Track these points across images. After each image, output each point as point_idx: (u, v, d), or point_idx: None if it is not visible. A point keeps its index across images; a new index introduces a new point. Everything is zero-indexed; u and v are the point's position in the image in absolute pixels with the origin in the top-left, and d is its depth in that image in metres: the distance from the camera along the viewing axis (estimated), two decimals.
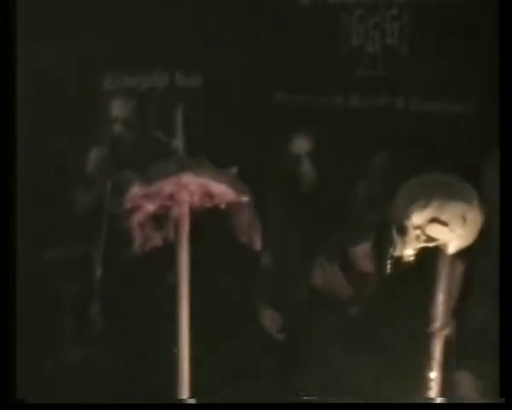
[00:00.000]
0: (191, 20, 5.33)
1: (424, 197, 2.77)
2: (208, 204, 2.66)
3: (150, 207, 2.62)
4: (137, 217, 2.63)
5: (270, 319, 3.90)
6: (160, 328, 4.03)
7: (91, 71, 5.35)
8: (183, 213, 2.62)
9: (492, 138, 3.30)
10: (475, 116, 4.45)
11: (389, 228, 2.98)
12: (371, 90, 4.98)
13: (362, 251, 3.57)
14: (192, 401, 2.70)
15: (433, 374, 2.80)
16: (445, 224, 2.75)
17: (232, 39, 5.30)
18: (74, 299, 4.61)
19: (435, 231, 2.77)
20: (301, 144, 4.18)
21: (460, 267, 3.09)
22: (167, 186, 2.59)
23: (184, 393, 2.70)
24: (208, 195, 2.65)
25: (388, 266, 3.24)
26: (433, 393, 2.82)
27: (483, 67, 4.27)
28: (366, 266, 3.54)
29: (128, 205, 2.62)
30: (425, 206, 2.76)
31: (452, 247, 2.80)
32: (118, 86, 5.47)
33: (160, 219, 2.68)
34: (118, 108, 4.45)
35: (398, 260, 3.00)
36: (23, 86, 4.49)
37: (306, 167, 4.16)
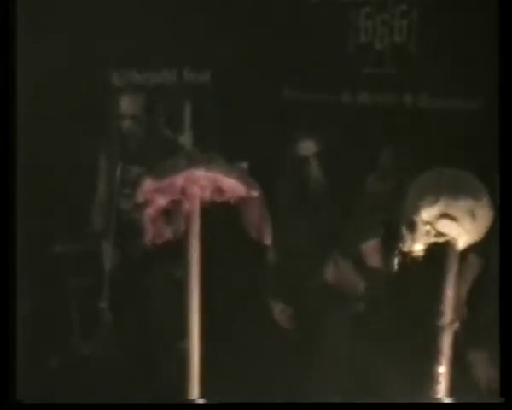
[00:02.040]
0: (200, 16, 5.35)
1: (434, 193, 2.78)
2: (219, 199, 2.67)
3: (162, 201, 2.63)
4: (149, 211, 2.64)
5: (280, 313, 3.92)
6: (169, 323, 4.06)
7: (100, 68, 5.36)
8: (193, 207, 2.63)
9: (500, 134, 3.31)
10: (483, 112, 4.45)
11: (398, 224, 2.99)
12: (379, 87, 4.99)
13: (371, 247, 3.59)
14: (201, 400, 2.70)
15: (442, 369, 2.81)
16: (454, 219, 2.76)
17: (240, 36, 5.32)
18: (83, 294, 4.63)
19: (445, 226, 2.78)
20: (309, 141, 4.19)
21: (474, 262, 3.11)
22: (178, 181, 2.60)
23: (194, 389, 2.70)
24: (219, 189, 2.66)
25: (396, 262, 3.25)
26: (442, 387, 2.82)
27: (491, 64, 4.27)
28: (375, 261, 3.56)
29: (140, 199, 2.63)
30: (434, 201, 2.77)
31: (461, 242, 2.81)
32: (126, 83, 5.48)
33: (170, 214, 2.69)
34: (126, 105, 4.46)
35: (407, 256, 3.01)
36: (32, 83, 4.52)
37: (315, 164, 4.17)
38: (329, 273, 3.54)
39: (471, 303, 3.04)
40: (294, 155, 4.18)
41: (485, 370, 3.22)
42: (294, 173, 4.17)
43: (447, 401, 2.80)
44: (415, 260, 2.96)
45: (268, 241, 2.80)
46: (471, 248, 2.87)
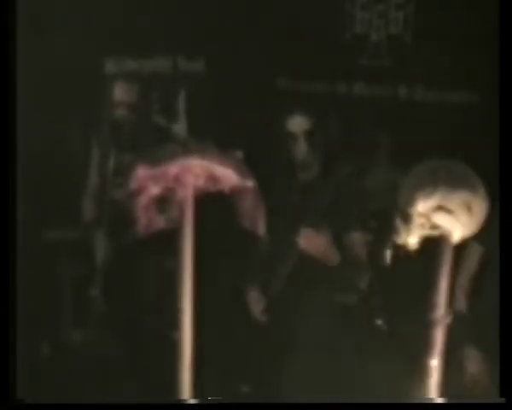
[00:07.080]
0: (194, 4, 5.33)
1: (430, 185, 2.77)
2: (213, 188, 2.65)
3: (155, 189, 2.61)
4: (141, 199, 2.62)
5: (255, 301, 3.88)
6: (161, 312, 4.04)
7: (94, 55, 5.34)
8: (187, 195, 2.61)
9: (495, 127, 3.31)
10: (478, 105, 4.46)
11: (392, 216, 2.98)
12: (375, 79, 4.99)
13: (358, 239, 3.58)
14: (193, 401, 2.69)
15: (435, 362, 2.80)
16: (450, 212, 2.75)
17: (235, 24, 5.30)
18: (75, 281, 4.62)
19: (440, 218, 2.77)
20: (300, 128, 4.14)
21: (476, 252, 3.10)
22: (172, 168, 2.58)
23: (185, 380, 2.68)
24: (213, 178, 2.64)
25: (389, 255, 3.25)
26: (435, 382, 2.81)
27: (486, 57, 4.27)
28: (362, 254, 3.55)
29: (132, 187, 2.61)
30: (431, 193, 2.76)
31: (456, 235, 2.80)
32: (120, 71, 5.46)
33: (163, 202, 2.67)
34: (120, 93, 4.43)
35: (401, 249, 3.00)
36: (24, 70, 4.49)
37: (308, 155, 4.12)
38: (301, 241, 3.51)
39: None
40: (288, 140, 4.13)
41: (478, 366, 3.22)
42: (287, 159, 4.13)
43: (446, 401, 2.79)
44: (408, 253, 2.95)
45: (261, 231, 2.79)
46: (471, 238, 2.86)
